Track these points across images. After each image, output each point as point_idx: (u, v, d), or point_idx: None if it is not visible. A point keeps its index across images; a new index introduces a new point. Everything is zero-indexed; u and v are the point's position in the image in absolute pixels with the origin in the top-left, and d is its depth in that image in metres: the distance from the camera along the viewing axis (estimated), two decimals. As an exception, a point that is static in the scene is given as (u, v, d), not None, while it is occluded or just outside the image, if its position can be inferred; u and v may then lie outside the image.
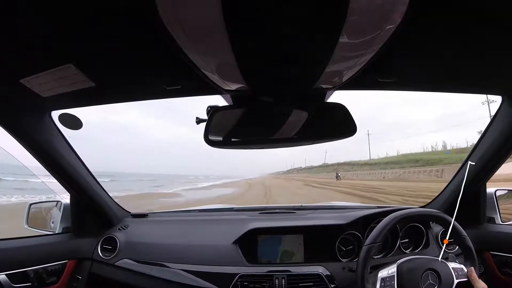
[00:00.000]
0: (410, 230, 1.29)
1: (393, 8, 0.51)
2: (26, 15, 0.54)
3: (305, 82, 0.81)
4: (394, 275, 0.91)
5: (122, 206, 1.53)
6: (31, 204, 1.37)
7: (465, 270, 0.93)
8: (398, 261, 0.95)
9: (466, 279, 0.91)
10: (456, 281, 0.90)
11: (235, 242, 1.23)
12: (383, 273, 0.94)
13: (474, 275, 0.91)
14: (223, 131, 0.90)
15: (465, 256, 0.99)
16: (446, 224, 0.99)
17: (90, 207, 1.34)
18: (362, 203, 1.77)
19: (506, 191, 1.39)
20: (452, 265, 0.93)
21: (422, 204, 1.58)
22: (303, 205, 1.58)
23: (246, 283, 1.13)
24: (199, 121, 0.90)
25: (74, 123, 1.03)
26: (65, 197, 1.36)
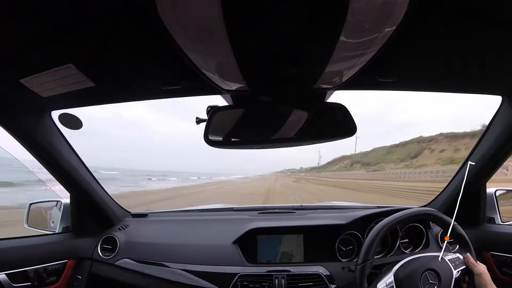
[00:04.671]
0: (410, 230, 1.29)
1: (393, 8, 0.51)
2: (26, 15, 0.54)
3: (305, 82, 0.81)
4: (392, 285, 0.88)
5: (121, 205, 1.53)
6: (31, 204, 1.38)
7: (461, 258, 0.92)
8: (394, 268, 0.92)
9: (464, 266, 0.90)
10: (455, 272, 0.89)
11: (234, 242, 1.23)
12: (381, 285, 0.91)
13: (471, 260, 0.90)
14: (223, 131, 0.90)
15: (459, 244, 0.98)
16: (441, 222, 0.98)
17: (90, 207, 1.34)
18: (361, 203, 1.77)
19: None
20: (448, 257, 0.92)
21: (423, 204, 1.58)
22: (302, 205, 1.58)
23: (246, 283, 1.13)
24: (199, 121, 0.90)
25: (74, 123, 1.03)
26: (65, 197, 1.36)
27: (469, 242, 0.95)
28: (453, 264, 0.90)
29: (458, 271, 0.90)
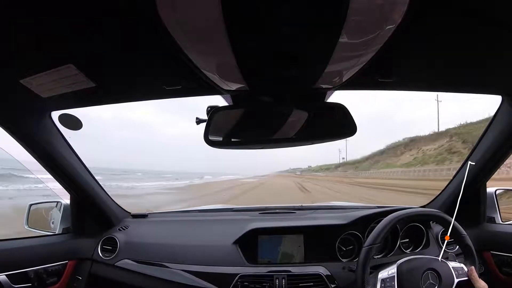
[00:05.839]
0: (410, 230, 1.29)
1: (393, 8, 0.51)
2: (26, 15, 0.54)
3: (305, 82, 0.81)
4: (394, 276, 0.91)
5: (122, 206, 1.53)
6: (31, 205, 1.37)
7: (465, 269, 0.93)
8: (398, 262, 0.95)
9: (466, 278, 0.91)
10: (456, 281, 0.90)
11: (235, 242, 1.23)
12: (383, 274, 0.93)
13: (475, 274, 0.91)
14: (223, 131, 0.90)
15: (465, 255, 0.99)
16: (445, 223, 0.99)
17: (90, 208, 1.34)
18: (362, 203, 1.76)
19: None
20: (452, 264, 0.93)
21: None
22: (303, 205, 1.58)
23: (247, 283, 1.13)
24: (199, 121, 0.90)
25: (74, 124, 1.03)
26: (65, 198, 1.36)
27: (476, 256, 0.96)
28: (456, 273, 0.91)
29: (460, 281, 0.90)
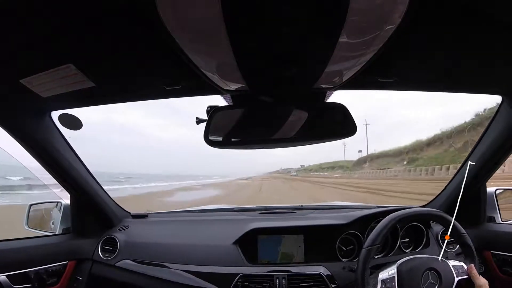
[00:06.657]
0: (411, 229, 1.29)
1: (393, 8, 0.51)
2: (26, 15, 0.54)
3: (305, 82, 0.81)
4: (394, 276, 0.91)
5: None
6: (31, 205, 1.37)
7: (465, 267, 0.93)
8: (398, 262, 0.95)
9: (466, 276, 0.91)
10: (456, 279, 0.90)
11: (235, 242, 1.23)
12: (383, 274, 0.93)
13: (475, 271, 0.91)
14: (223, 131, 0.90)
15: (465, 254, 0.99)
16: (446, 223, 0.99)
17: (90, 208, 1.34)
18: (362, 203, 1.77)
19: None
20: (452, 263, 0.93)
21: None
22: (303, 205, 1.58)
23: (247, 283, 1.13)
24: (199, 121, 0.90)
25: (74, 124, 1.03)
26: (65, 198, 1.36)
27: (475, 253, 0.96)
28: (456, 271, 0.91)
29: (460, 279, 0.90)
